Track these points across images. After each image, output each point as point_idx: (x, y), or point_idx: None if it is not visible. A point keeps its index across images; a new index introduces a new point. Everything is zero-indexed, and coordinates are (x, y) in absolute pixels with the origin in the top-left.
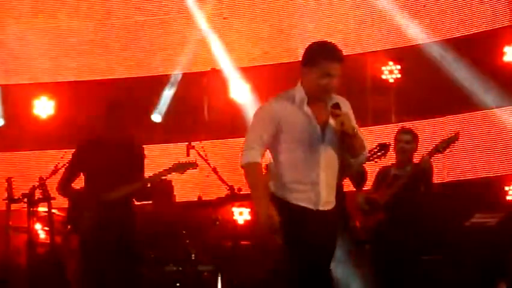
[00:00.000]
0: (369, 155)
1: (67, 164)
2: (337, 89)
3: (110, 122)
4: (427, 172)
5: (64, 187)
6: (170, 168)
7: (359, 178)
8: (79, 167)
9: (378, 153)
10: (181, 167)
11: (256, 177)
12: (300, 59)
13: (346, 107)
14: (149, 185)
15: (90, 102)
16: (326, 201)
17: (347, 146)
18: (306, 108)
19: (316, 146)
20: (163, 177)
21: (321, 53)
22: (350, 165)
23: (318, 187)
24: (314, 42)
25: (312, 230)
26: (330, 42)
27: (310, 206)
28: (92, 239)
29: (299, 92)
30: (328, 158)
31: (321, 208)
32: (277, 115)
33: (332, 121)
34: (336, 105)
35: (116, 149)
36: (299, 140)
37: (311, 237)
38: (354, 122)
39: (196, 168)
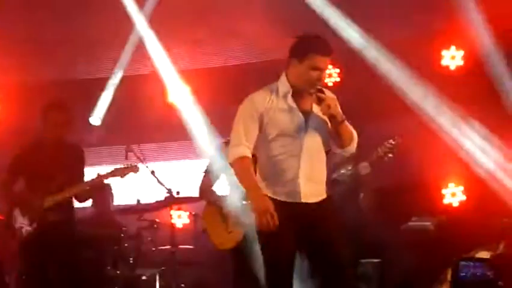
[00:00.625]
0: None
1: (7, 167)
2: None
3: (48, 124)
4: (366, 178)
5: (4, 190)
6: (111, 172)
7: None
8: (19, 170)
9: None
10: (121, 171)
11: (246, 171)
12: (290, 50)
13: (331, 95)
14: (88, 188)
15: (28, 104)
16: (309, 193)
17: (335, 134)
18: (290, 100)
19: (299, 138)
20: (104, 181)
21: (312, 47)
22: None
23: (298, 179)
24: (305, 35)
25: (289, 224)
26: (320, 36)
27: (290, 200)
28: (32, 242)
29: (283, 84)
30: (311, 150)
31: (303, 201)
32: (260, 108)
33: (316, 110)
34: (321, 90)
35: (56, 152)
36: (282, 133)
37: (286, 231)
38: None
39: (136, 172)
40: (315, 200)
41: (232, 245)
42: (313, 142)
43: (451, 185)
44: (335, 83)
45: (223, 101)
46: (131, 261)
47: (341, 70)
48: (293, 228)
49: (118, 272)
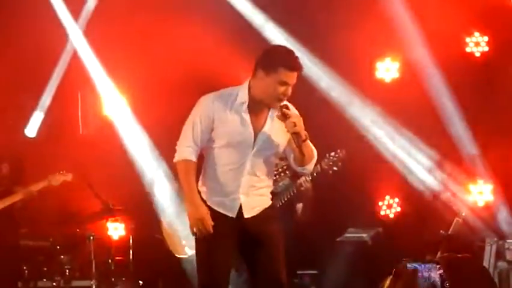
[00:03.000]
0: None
1: None
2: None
3: None
4: (305, 192)
5: None
6: (46, 179)
7: None
8: None
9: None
10: (55, 179)
11: (188, 175)
12: (257, 60)
13: (296, 113)
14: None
15: None
16: (249, 208)
17: (297, 151)
18: (244, 113)
19: (244, 152)
20: (39, 189)
21: (282, 61)
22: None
23: (239, 193)
24: (275, 47)
25: (225, 235)
26: (291, 50)
27: (229, 214)
28: None
29: (242, 93)
30: (255, 165)
31: (245, 215)
32: (214, 111)
33: (268, 128)
34: (286, 107)
35: None
36: (229, 143)
37: (222, 243)
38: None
39: (69, 179)
40: (254, 214)
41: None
42: (260, 157)
43: (387, 197)
44: None
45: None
46: (67, 273)
47: None
48: (230, 240)
49: (54, 284)
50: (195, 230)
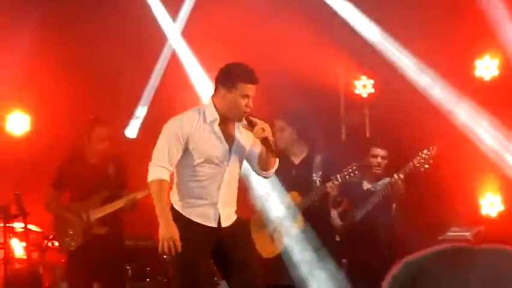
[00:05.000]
0: (345, 173)
1: (53, 181)
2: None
3: (93, 138)
4: (398, 190)
5: (51, 204)
6: None
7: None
8: (64, 184)
9: (353, 173)
10: None
11: (161, 195)
12: (217, 79)
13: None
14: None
15: (67, 117)
16: (226, 217)
17: (263, 159)
18: (217, 129)
19: (222, 165)
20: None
21: (240, 75)
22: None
23: (218, 205)
24: (231, 65)
25: (202, 244)
26: (246, 65)
27: (206, 223)
28: (79, 256)
29: (210, 112)
30: (230, 177)
31: (223, 225)
32: (186, 132)
33: (237, 137)
34: (251, 115)
35: (100, 165)
36: (206, 159)
37: (202, 252)
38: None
39: None
40: (229, 223)
41: (272, 254)
42: (234, 169)
43: (488, 195)
44: (369, 94)
45: None
46: (169, 272)
47: (375, 81)
48: (207, 249)
49: (157, 283)
50: (165, 248)
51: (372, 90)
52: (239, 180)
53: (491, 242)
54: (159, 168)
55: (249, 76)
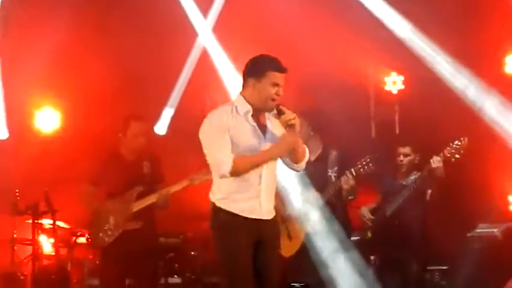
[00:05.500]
0: (359, 166)
1: (90, 177)
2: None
3: (129, 134)
4: (436, 173)
5: (87, 200)
6: (187, 178)
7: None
8: (101, 180)
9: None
10: (198, 178)
11: (248, 157)
12: (245, 72)
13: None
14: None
15: (97, 114)
16: (267, 210)
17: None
18: (251, 120)
19: None
20: (180, 189)
21: (268, 64)
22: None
23: (260, 197)
24: (259, 56)
25: (250, 240)
26: (274, 56)
27: (252, 216)
28: (114, 250)
29: (242, 104)
30: (267, 168)
31: (264, 217)
32: (227, 125)
33: (270, 127)
34: (280, 105)
35: (136, 162)
36: (246, 150)
37: (247, 247)
38: None
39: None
40: (271, 216)
41: (292, 252)
42: (271, 162)
43: None
44: (399, 91)
45: None
46: (197, 269)
47: (405, 77)
48: (252, 242)
49: (185, 280)
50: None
51: (403, 87)
52: None
53: None
54: (226, 158)
55: (277, 64)
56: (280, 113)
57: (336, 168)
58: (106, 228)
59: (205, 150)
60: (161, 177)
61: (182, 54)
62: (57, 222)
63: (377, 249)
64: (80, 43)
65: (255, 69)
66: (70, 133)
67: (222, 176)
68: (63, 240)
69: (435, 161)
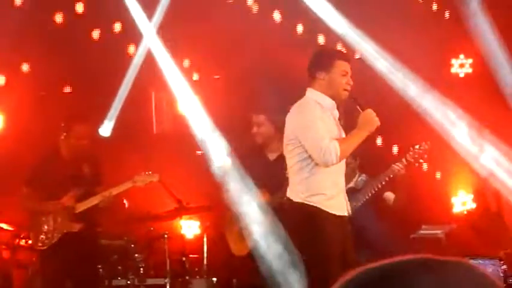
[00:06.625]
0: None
1: (26, 180)
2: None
3: (71, 136)
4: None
5: (26, 203)
6: (131, 180)
7: None
8: (38, 183)
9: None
10: (141, 179)
11: (346, 140)
12: (311, 66)
13: None
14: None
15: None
16: (347, 206)
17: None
18: (336, 112)
19: None
20: (122, 191)
21: (335, 54)
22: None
23: (343, 192)
24: (320, 49)
25: (345, 237)
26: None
27: (340, 213)
28: (54, 253)
29: (321, 97)
30: (343, 162)
31: (346, 213)
32: (320, 116)
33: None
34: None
35: (75, 164)
36: None
37: (341, 245)
38: None
39: (156, 180)
40: (350, 211)
41: (244, 252)
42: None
43: (461, 193)
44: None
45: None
46: (141, 271)
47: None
48: (345, 238)
49: (128, 282)
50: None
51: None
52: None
53: (462, 240)
54: (327, 144)
55: (343, 53)
56: (360, 106)
57: None
58: (45, 230)
59: (304, 143)
60: (101, 179)
61: (127, 54)
62: (0, 225)
63: None
64: (22, 43)
65: (323, 61)
66: (13, 134)
67: (329, 164)
68: (5, 242)
69: (399, 168)
